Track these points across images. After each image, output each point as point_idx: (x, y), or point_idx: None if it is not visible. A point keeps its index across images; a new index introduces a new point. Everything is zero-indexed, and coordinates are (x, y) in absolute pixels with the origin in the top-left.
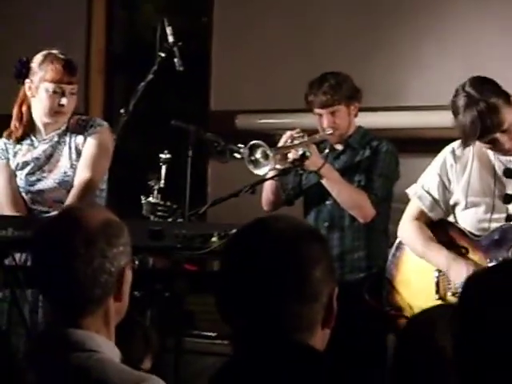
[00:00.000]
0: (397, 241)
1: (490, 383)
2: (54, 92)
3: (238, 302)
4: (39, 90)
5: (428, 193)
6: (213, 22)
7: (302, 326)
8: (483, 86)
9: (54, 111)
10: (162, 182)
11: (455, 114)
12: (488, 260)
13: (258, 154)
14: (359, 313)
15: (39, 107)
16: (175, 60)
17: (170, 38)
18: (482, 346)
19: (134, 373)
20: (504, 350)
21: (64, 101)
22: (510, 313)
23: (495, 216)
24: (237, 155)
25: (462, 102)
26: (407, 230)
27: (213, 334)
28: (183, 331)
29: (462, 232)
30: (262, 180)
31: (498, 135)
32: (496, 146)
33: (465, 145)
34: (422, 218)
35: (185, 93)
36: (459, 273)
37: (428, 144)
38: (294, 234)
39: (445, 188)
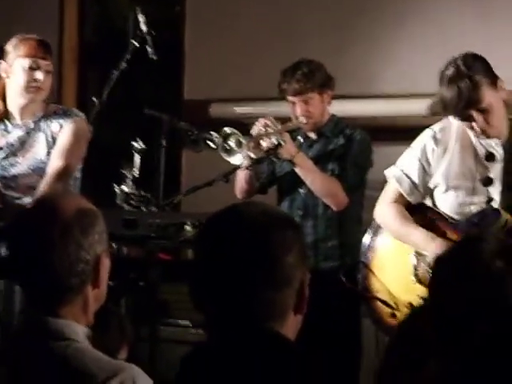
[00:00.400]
0: (373, 224)
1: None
2: (30, 68)
3: (211, 289)
4: (14, 68)
5: (407, 176)
6: (186, 11)
7: (275, 312)
8: (474, 63)
9: (30, 86)
10: (136, 171)
11: (440, 83)
12: None
13: (232, 142)
14: (334, 300)
15: (15, 86)
16: (148, 49)
17: (143, 27)
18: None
19: (112, 362)
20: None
21: (39, 75)
22: (475, 287)
23: (476, 199)
24: (211, 144)
25: (449, 73)
26: (385, 211)
27: (187, 323)
28: (158, 320)
29: (440, 216)
30: (236, 168)
31: (474, 113)
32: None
33: (443, 115)
34: (399, 200)
35: (158, 81)
36: (437, 251)
37: (401, 132)
38: (266, 220)
39: (424, 172)
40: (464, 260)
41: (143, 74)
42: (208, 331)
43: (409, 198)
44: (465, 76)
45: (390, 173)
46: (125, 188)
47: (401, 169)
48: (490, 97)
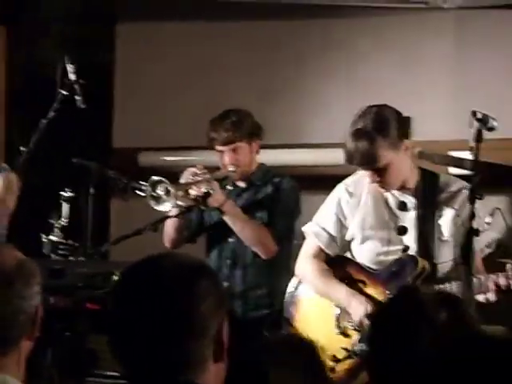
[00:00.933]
0: (293, 280)
1: None
2: None
3: (126, 341)
4: None
5: (324, 230)
6: (115, 59)
7: (192, 363)
8: (383, 121)
9: None
10: (64, 220)
11: (348, 134)
12: (388, 292)
13: (160, 191)
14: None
15: None
16: (76, 97)
17: (72, 76)
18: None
19: None
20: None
21: None
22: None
23: (392, 248)
24: (139, 193)
25: (354, 128)
26: (305, 268)
27: (116, 374)
28: (85, 371)
29: (359, 266)
30: (165, 218)
31: (372, 172)
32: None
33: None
34: (319, 255)
35: (87, 130)
36: (359, 309)
37: (329, 181)
38: (180, 271)
39: (341, 224)
40: (405, 314)
41: (72, 122)
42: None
43: (327, 251)
44: (365, 135)
45: (308, 228)
46: (52, 237)
47: (317, 223)
48: (388, 157)
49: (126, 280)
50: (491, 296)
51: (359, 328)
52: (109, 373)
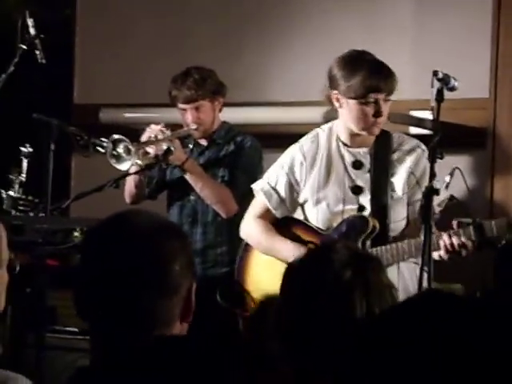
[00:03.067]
0: (242, 243)
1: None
2: None
3: (96, 299)
4: None
5: (275, 190)
6: (76, 14)
7: (162, 321)
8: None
9: None
10: (24, 175)
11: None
12: None
13: (121, 149)
14: (220, 307)
15: None
16: (37, 52)
17: (32, 31)
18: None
19: (1, 372)
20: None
21: None
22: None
23: (347, 207)
24: (100, 149)
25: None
26: (251, 228)
27: (75, 330)
28: (44, 327)
29: (307, 227)
30: (126, 174)
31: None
32: None
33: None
34: (266, 215)
35: (48, 86)
36: None
37: (292, 139)
38: (152, 228)
39: (292, 188)
40: (314, 269)
41: (32, 77)
42: (93, 342)
43: (275, 213)
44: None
45: (258, 186)
46: (12, 193)
47: (268, 183)
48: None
49: (96, 236)
50: (443, 254)
51: None
52: (68, 328)
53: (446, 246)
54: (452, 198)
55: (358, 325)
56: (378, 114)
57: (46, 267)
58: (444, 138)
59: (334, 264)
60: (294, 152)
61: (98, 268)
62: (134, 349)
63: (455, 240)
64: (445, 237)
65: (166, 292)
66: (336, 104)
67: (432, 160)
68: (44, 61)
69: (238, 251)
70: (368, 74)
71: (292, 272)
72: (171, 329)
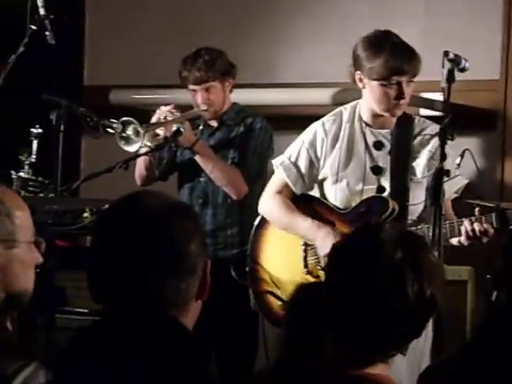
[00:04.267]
0: (258, 218)
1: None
2: None
3: (110, 282)
4: None
5: (295, 165)
6: None
7: (179, 301)
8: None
9: None
10: (34, 156)
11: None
12: None
13: (130, 131)
14: (231, 289)
15: None
16: (47, 33)
17: (42, 11)
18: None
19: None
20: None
21: None
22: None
23: (367, 187)
24: (110, 130)
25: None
26: (270, 203)
27: (85, 311)
28: (54, 308)
29: (326, 206)
30: (136, 156)
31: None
32: None
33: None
34: (284, 191)
35: (57, 67)
36: (326, 240)
37: (303, 121)
38: (166, 209)
39: (312, 164)
40: (364, 249)
41: (42, 58)
42: (106, 322)
43: (293, 188)
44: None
45: (278, 161)
46: (22, 174)
47: (288, 157)
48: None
49: (110, 217)
50: (463, 240)
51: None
52: (78, 309)
53: (467, 232)
54: (468, 181)
55: (409, 305)
56: (400, 96)
57: (56, 248)
58: (454, 120)
59: (384, 244)
60: (315, 128)
61: (111, 251)
62: (145, 331)
63: (477, 226)
64: (466, 223)
65: (183, 273)
66: (359, 84)
67: (442, 142)
68: (54, 41)
69: (251, 230)
70: (392, 55)
71: (340, 252)
72: (187, 309)
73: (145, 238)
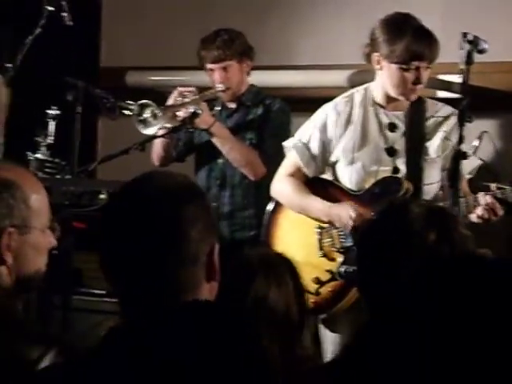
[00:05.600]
0: (271, 203)
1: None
2: None
3: (119, 263)
4: None
5: (306, 147)
6: None
7: (186, 287)
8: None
9: None
10: (51, 138)
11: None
12: (372, 213)
13: (147, 114)
14: None
15: None
16: (64, 14)
17: None
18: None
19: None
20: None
21: None
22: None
23: (382, 168)
24: (127, 112)
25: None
26: (282, 186)
27: (101, 292)
28: (71, 289)
29: (340, 188)
30: (152, 137)
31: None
32: None
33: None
34: (297, 174)
35: (74, 48)
36: (342, 214)
37: (320, 103)
38: (169, 193)
39: (324, 146)
40: (395, 232)
41: (59, 40)
42: (120, 304)
43: (306, 170)
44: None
45: (290, 143)
46: (39, 155)
47: (300, 139)
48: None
49: (118, 199)
50: (481, 212)
51: (342, 250)
52: (94, 291)
53: (482, 205)
54: (481, 162)
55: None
56: (417, 80)
57: (73, 229)
58: (473, 102)
59: (415, 226)
60: (327, 110)
61: (117, 230)
62: (159, 312)
63: (489, 199)
64: (480, 195)
65: (185, 258)
66: (376, 66)
67: (461, 124)
68: (71, 23)
69: (265, 213)
70: (413, 40)
71: (368, 238)
72: (199, 291)
73: (145, 221)
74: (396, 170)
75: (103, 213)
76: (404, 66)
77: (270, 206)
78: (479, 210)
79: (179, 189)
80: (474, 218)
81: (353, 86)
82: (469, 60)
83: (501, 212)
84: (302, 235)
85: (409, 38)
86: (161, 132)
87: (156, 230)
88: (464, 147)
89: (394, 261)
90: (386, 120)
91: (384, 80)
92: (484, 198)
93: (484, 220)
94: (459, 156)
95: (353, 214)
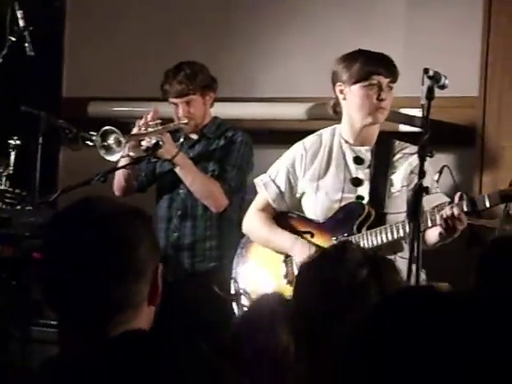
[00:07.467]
0: (243, 239)
1: None
2: None
3: (61, 287)
4: None
5: (274, 182)
6: (66, 6)
7: (130, 305)
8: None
9: None
10: (11, 168)
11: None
12: (334, 238)
13: (111, 140)
14: (209, 302)
15: None
16: (26, 44)
17: (21, 22)
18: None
19: None
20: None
21: None
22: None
23: (346, 195)
24: (89, 143)
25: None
26: (251, 221)
27: None
28: (30, 320)
29: (304, 218)
30: (114, 168)
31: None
32: None
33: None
34: (266, 209)
35: (36, 78)
36: (302, 252)
37: (282, 135)
38: (115, 213)
39: (290, 181)
40: (328, 268)
41: (21, 70)
42: (61, 329)
43: (274, 205)
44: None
45: (259, 180)
46: None
47: (269, 175)
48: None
49: (61, 222)
50: (441, 225)
51: None
52: (53, 322)
53: (443, 219)
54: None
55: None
56: (380, 97)
57: (32, 261)
58: (433, 136)
59: (348, 263)
60: (296, 147)
61: (61, 254)
62: (101, 342)
63: (449, 211)
64: (442, 211)
65: (133, 276)
66: (340, 97)
67: (422, 158)
68: (33, 53)
69: (236, 248)
70: (367, 59)
71: (305, 271)
72: (138, 312)
73: (91, 242)
74: (359, 197)
75: (45, 236)
76: (365, 83)
77: (241, 242)
78: (442, 230)
79: (123, 209)
80: (435, 238)
81: (312, 119)
82: (430, 95)
83: (461, 224)
84: (270, 267)
85: (362, 59)
86: (123, 162)
87: (102, 248)
88: (425, 182)
89: (326, 298)
90: (351, 154)
91: (349, 109)
92: (443, 214)
93: (446, 232)
94: (420, 190)
95: (311, 252)
